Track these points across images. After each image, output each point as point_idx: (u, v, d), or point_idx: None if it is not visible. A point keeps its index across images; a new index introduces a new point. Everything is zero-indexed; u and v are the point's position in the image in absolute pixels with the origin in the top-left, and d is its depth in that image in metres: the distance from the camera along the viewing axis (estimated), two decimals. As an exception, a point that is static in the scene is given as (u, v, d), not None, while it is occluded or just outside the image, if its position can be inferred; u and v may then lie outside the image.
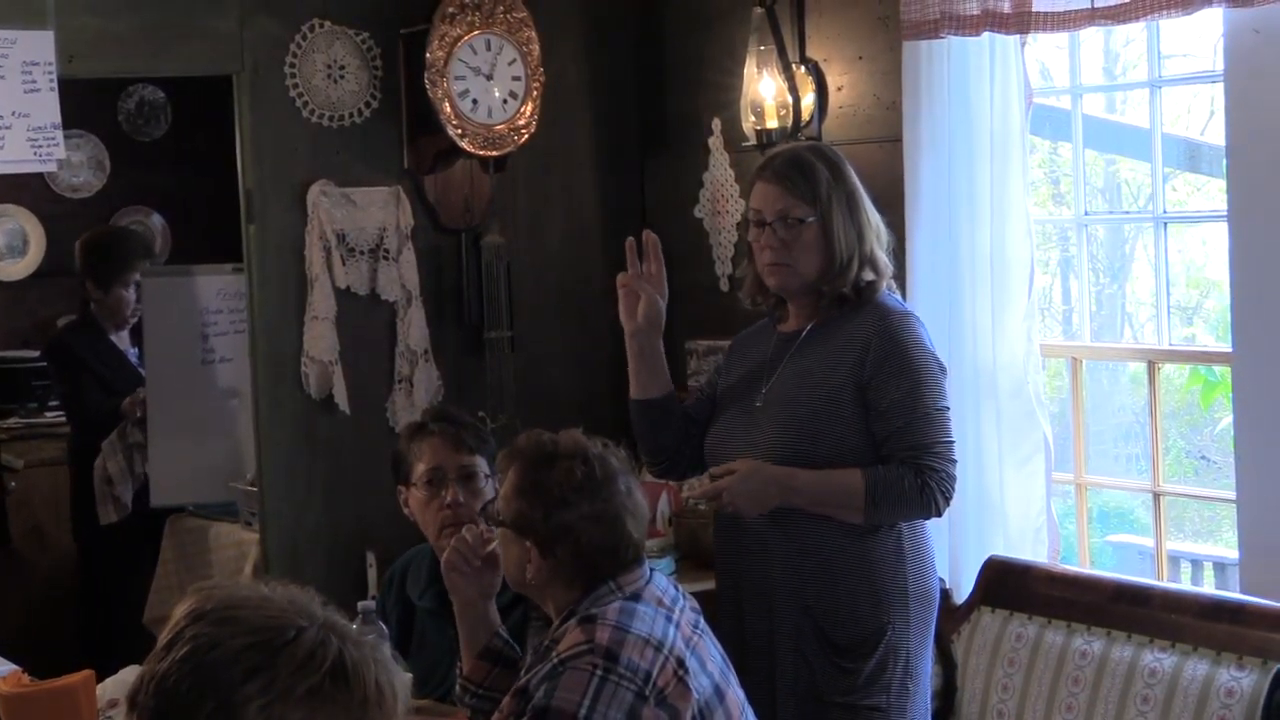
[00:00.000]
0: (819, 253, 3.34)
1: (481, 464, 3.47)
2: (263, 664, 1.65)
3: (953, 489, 3.32)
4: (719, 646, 2.86)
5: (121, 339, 5.71)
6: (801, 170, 3.37)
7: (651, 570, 2.85)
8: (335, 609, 1.76)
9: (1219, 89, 3.84)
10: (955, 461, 3.33)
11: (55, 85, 4.19)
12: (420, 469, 3.47)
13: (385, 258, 4.74)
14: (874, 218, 3.42)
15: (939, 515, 3.36)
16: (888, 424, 3.29)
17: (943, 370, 3.38)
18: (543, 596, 2.84)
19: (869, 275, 3.37)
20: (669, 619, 2.74)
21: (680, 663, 2.68)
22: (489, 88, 4.71)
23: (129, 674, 3.22)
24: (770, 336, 3.49)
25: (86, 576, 5.80)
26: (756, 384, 3.44)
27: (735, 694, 2.81)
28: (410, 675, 3.19)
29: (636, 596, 2.75)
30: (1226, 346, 3.87)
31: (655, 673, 2.64)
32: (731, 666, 2.86)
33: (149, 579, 5.52)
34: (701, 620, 2.86)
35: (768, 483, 3.29)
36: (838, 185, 3.36)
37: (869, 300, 3.37)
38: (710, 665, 2.77)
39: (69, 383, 5.72)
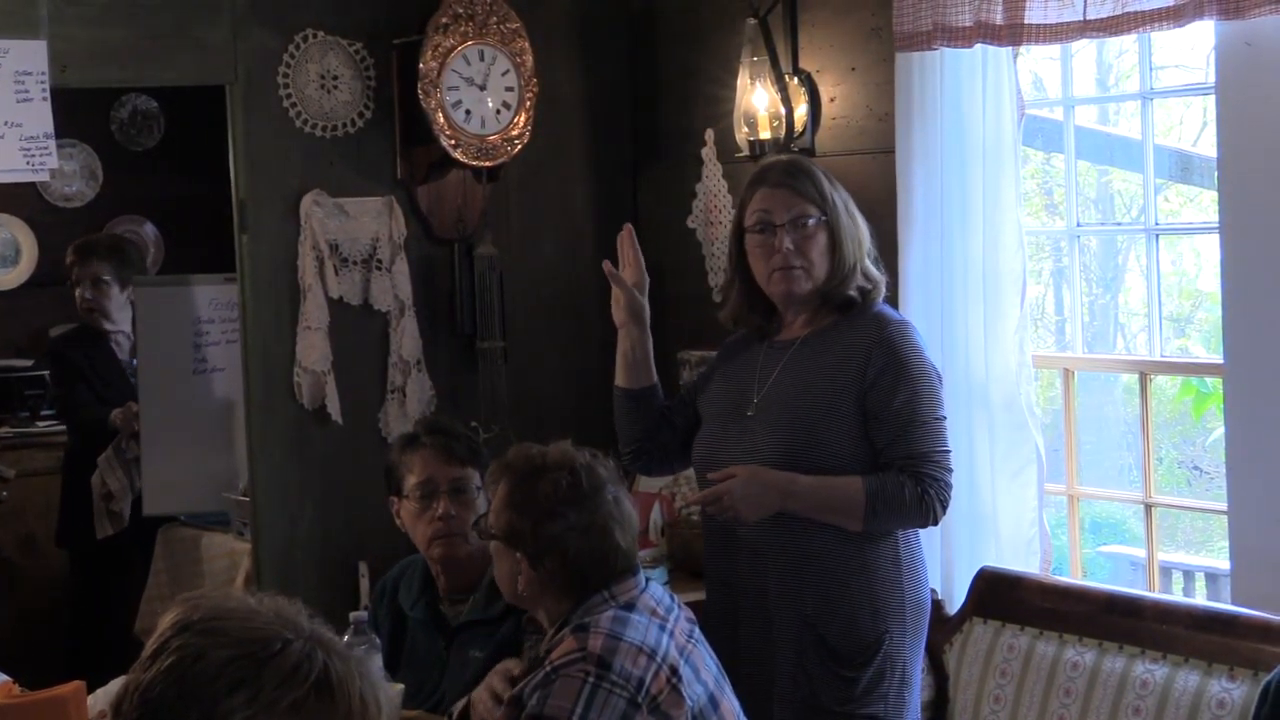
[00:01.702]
0: (828, 255, 3.39)
1: (474, 476, 3.47)
2: (247, 676, 1.65)
3: (950, 497, 3.35)
4: (714, 655, 2.87)
5: (121, 347, 5.70)
6: (806, 174, 3.43)
7: (647, 580, 2.85)
8: (322, 621, 1.75)
9: (1211, 101, 3.85)
10: (952, 470, 3.36)
11: (48, 95, 4.19)
12: (412, 481, 3.48)
13: (378, 268, 4.74)
14: (865, 224, 3.47)
15: (935, 524, 3.39)
16: (888, 432, 3.31)
17: (940, 380, 3.42)
18: (536, 608, 2.85)
19: (864, 282, 3.41)
20: (662, 627, 2.75)
21: (674, 670, 2.69)
22: (482, 98, 4.72)
23: (119, 685, 3.22)
24: (759, 346, 3.50)
25: (77, 585, 5.79)
26: (746, 392, 3.44)
27: (730, 703, 2.81)
28: (401, 686, 3.19)
29: (630, 606, 2.76)
30: (1218, 358, 3.87)
31: (648, 680, 2.65)
32: (726, 675, 2.86)
33: (141, 589, 5.52)
34: (696, 629, 2.87)
35: (769, 487, 3.28)
36: (835, 190, 3.43)
37: (868, 308, 3.40)
38: (705, 674, 2.77)
39: (65, 388, 5.73)
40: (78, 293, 5.70)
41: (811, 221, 3.37)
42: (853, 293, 3.39)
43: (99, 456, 5.52)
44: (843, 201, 3.42)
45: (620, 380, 3.62)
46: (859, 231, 3.43)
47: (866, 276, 3.43)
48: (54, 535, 5.91)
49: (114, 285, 5.66)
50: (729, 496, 3.28)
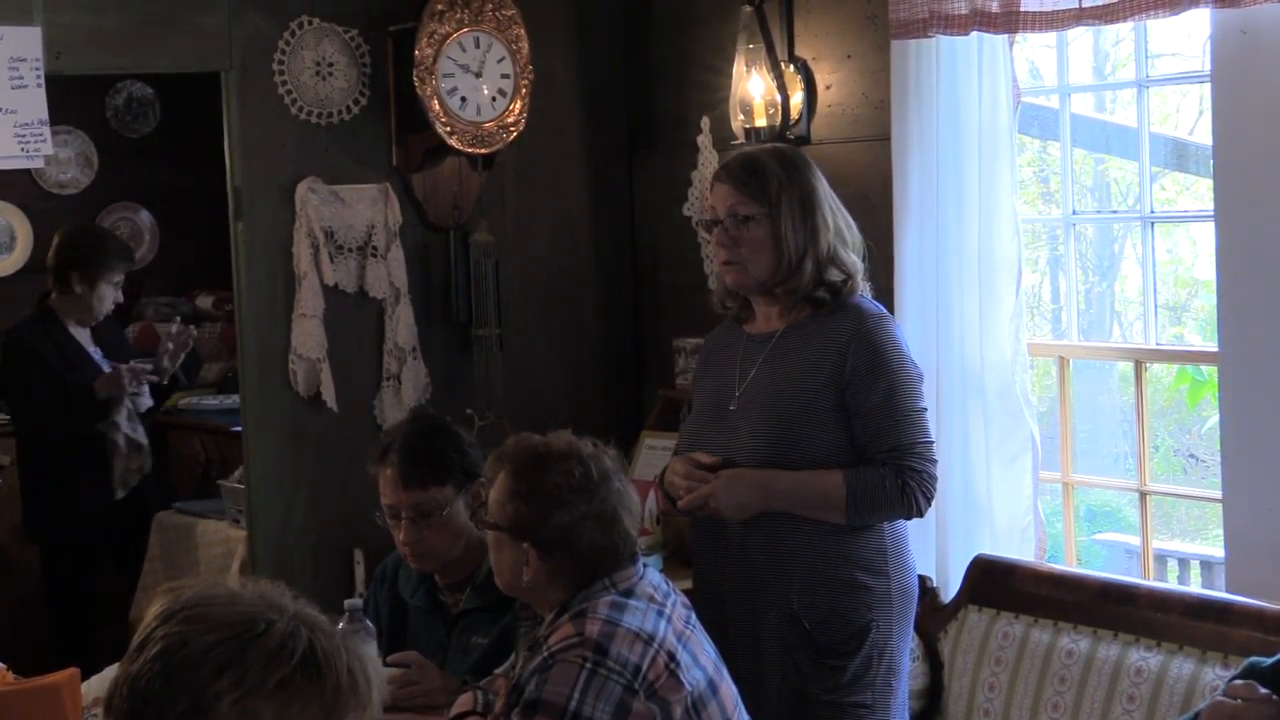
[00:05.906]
0: (767, 252, 3.34)
1: (441, 494, 3.39)
2: (233, 659, 1.65)
3: (934, 489, 3.34)
4: (711, 641, 2.87)
5: (82, 334, 5.59)
6: (753, 170, 3.39)
7: (645, 566, 2.86)
8: (308, 602, 1.75)
9: (1206, 89, 3.85)
10: (935, 461, 3.35)
11: (43, 81, 4.19)
12: (381, 499, 3.45)
13: (373, 255, 4.73)
14: (835, 219, 3.39)
15: (920, 515, 3.38)
16: (869, 426, 3.30)
17: (919, 373, 3.40)
18: (539, 598, 2.84)
19: (835, 275, 3.36)
20: (660, 613, 2.75)
21: (671, 656, 2.69)
22: (478, 85, 4.71)
23: (113, 672, 3.21)
24: (739, 339, 3.49)
25: (53, 579, 5.69)
26: (728, 387, 3.44)
27: (728, 687, 2.81)
28: (390, 671, 3.18)
29: (629, 592, 2.76)
30: (1213, 346, 3.88)
31: (645, 666, 2.65)
32: (723, 661, 2.87)
33: (114, 577, 5.50)
34: (693, 615, 2.87)
35: (750, 488, 3.30)
36: (790, 185, 3.36)
37: (844, 301, 3.37)
38: (703, 658, 2.78)
39: (22, 370, 5.57)
40: (108, 290, 5.52)
41: (746, 218, 3.35)
42: (820, 292, 3.35)
43: (115, 415, 5.41)
44: (797, 197, 3.34)
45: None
46: (816, 227, 3.34)
47: (839, 267, 3.37)
48: (21, 532, 5.81)
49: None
50: (713, 499, 3.30)
